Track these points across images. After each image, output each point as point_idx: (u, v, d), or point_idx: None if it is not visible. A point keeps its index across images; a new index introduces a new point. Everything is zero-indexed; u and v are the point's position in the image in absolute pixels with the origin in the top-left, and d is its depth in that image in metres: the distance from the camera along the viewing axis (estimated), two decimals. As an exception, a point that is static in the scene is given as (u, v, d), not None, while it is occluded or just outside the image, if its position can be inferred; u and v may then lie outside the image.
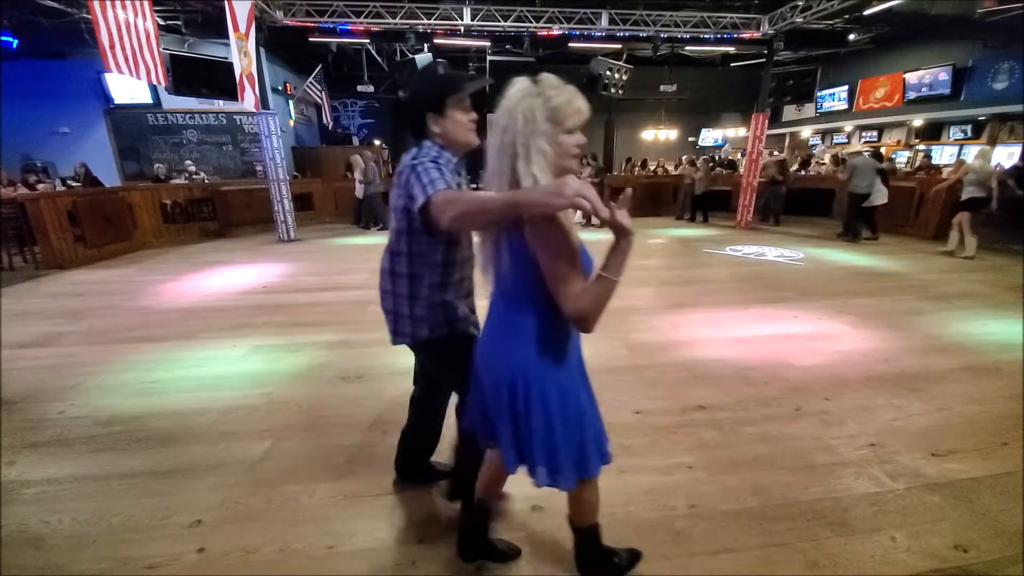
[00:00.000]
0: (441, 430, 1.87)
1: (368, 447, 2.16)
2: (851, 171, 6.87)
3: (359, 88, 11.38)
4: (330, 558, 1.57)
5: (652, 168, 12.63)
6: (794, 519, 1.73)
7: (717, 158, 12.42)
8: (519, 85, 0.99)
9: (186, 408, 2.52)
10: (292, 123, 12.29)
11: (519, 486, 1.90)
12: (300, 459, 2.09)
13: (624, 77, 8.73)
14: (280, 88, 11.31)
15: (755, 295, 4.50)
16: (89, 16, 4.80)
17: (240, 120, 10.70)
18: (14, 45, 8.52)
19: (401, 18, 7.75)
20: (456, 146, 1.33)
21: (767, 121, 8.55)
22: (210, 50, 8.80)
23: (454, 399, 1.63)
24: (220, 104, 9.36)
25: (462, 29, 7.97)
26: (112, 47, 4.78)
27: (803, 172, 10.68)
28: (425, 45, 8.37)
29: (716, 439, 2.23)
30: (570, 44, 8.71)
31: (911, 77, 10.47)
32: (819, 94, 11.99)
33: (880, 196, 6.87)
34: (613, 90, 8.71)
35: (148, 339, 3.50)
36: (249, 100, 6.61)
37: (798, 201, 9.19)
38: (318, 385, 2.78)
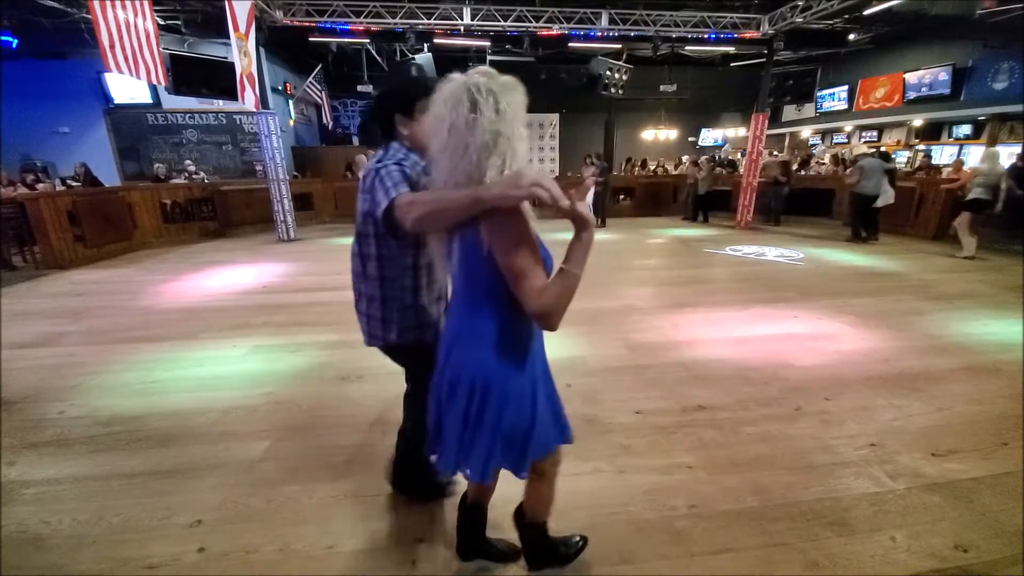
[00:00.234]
0: None
1: (368, 447, 2.16)
2: (859, 172, 6.81)
3: (359, 88, 11.38)
4: (330, 558, 1.57)
5: (652, 168, 12.64)
6: (794, 519, 1.73)
7: (717, 158, 12.40)
8: (465, 78, 0.95)
9: (186, 408, 2.52)
10: (292, 123, 12.29)
11: (518, 485, 1.90)
12: (300, 459, 2.09)
13: (624, 77, 8.73)
14: (280, 88, 11.32)
15: (755, 295, 4.50)
16: (89, 16, 4.80)
17: (240, 120, 10.70)
18: (14, 45, 8.52)
19: (401, 18, 7.75)
20: (424, 149, 1.32)
21: (767, 121, 8.55)
22: (210, 50, 8.80)
23: None
24: (220, 104, 9.37)
25: (462, 29, 7.97)
26: (112, 47, 4.78)
27: (803, 172, 10.68)
28: (425, 45, 8.36)
29: (716, 439, 2.23)
30: (570, 44, 8.71)
31: (911, 77, 10.46)
32: (819, 94, 11.99)
33: (887, 197, 6.83)
34: (613, 90, 8.70)
35: (148, 339, 3.49)
36: (249, 100, 6.61)
37: (798, 201, 9.19)
38: (318, 385, 2.78)
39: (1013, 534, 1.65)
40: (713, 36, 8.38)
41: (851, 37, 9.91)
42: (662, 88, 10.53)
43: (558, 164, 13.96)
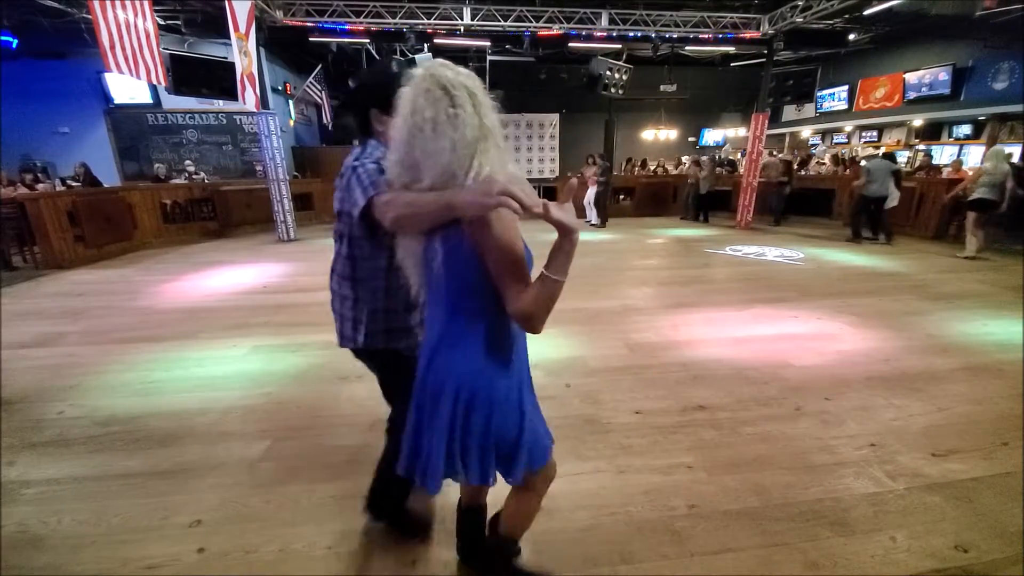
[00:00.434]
0: None
1: (367, 447, 2.16)
2: (866, 174, 6.76)
3: (359, 88, 11.35)
4: (330, 558, 1.57)
5: (652, 168, 12.64)
6: (794, 519, 1.73)
7: (717, 158, 12.41)
8: (430, 72, 0.89)
9: (185, 408, 2.52)
10: (292, 123, 12.29)
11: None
12: (299, 459, 2.09)
13: (624, 77, 8.73)
14: (280, 88, 11.31)
15: (755, 295, 4.50)
16: (89, 16, 4.80)
17: (240, 120, 10.69)
18: (14, 45, 8.51)
19: (401, 18, 7.74)
20: None
21: (767, 121, 8.54)
22: (210, 50, 8.80)
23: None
24: (220, 104, 9.36)
25: (462, 29, 7.97)
26: (112, 47, 4.78)
27: (802, 172, 10.68)
28: (425, 45, 8.36)
29: (716, 439, 2.23)
30: (570, 44, 8.70)
31: (911, 77, 10.46)
32: (819, 94, 11.98)
33: (892, 199, 6.81)
34: (613, 90, 8.70)
35: (148, 339, 3.49)
36: (249, 100, 6.61)
37: (798, 201, 9.19)
38: (318, 385, 2.78)
39: (1013, 534, 1.65)
40: (713, 36, 8.38)
41: (851, 37, 9.90)
42: (662, 88, 10.54)
43: (558, 164, 13.94)
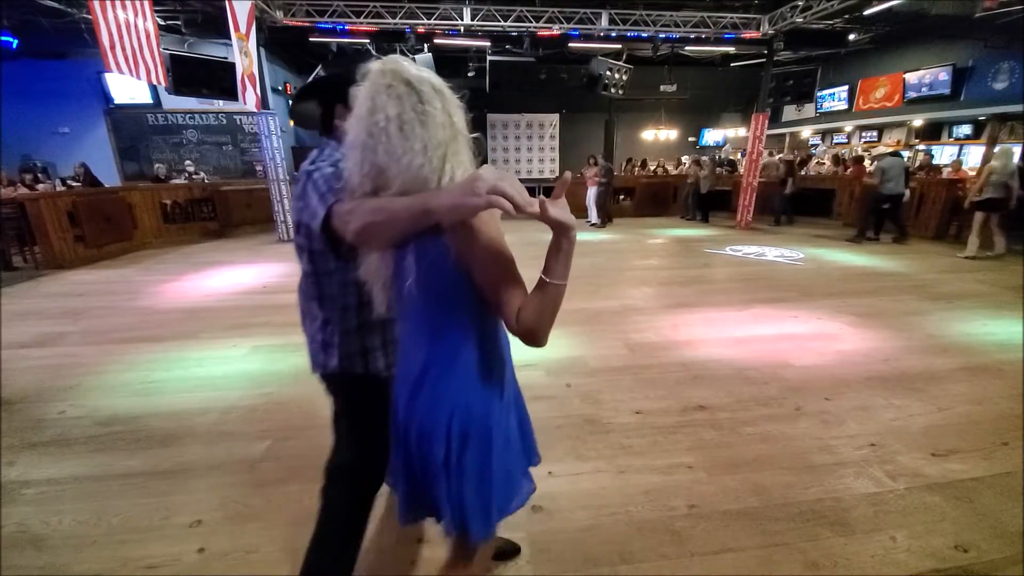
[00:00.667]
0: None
1: (368, 447, 2.16)
2: (881, 173, 6.73)
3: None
4: (330, 558, 1.57)
5: (652, 168, 12.64)
6: (794, 519, 1.73)
7: (717, 158, 12.41)
8: (391, 67, 0.80)
9: (186, 408, 2.52)
10: (292, 123, 12.30)
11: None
12: (300, 459, 2.09)
13: (624, 77, 8.73)
14: (280, 88, 11.31)
15: (755, 295, 4.50)
16: (89, 16, 4.80)
17: (240, 120, 10.70)
18: (14, 45, 8.51)
19: (401, 18, 7.75)
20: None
21: (767, 121, 8.55)
22: (210, 50, 8.80)
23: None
24: (220, 104, 9.36)
25: (462, 29, 7.97)
26: (112, 47, 4.78)
27: (802, 172, 10.67)
28: (425, 45, 8.37)
29: (716, 439, 2.23)
30: (570, 44, 8.71)
31: (911, 77, 10.46)
32: (819, 94, 11.97)
33: (905, 196, 6.83)
34: (613, 90, 8.71)
35: (148, 339, 3.49)
36: (250, 100, 6.61)
37: (798, 201, 9.19)
38: (318, 385, 2.75)
39: (1013, 534, 1.65)
40: (713, 36, 8.38)
41: (851, 37, 9.90)
42: (662, 88, 10.54)
43: (558, 164, 13.97)
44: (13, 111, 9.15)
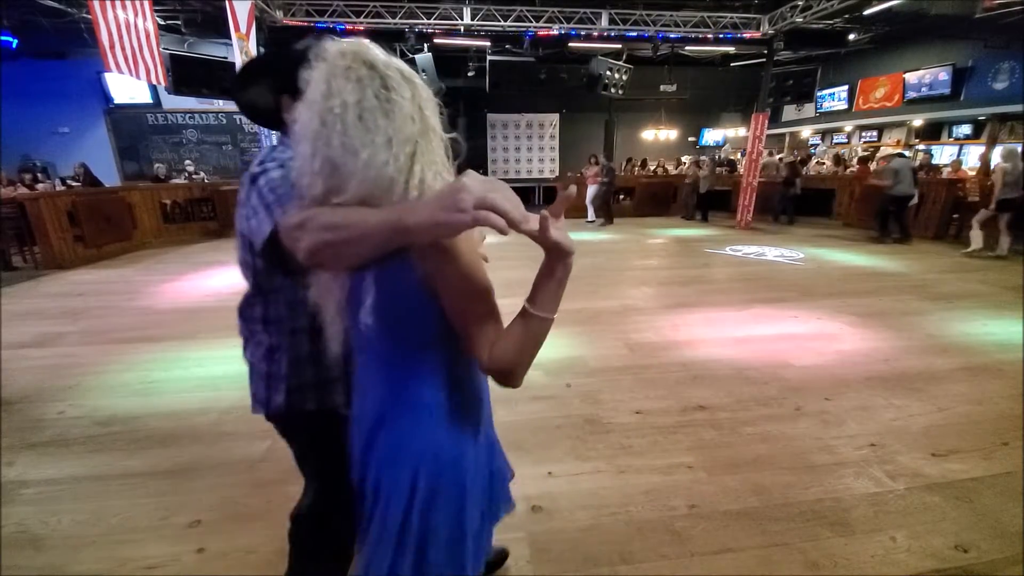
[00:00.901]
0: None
1: (368, 447, 2.16)
2: (893, 174, 6.73)
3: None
4: (329, 558, 1.57)
5: (652, 168, 12.65)
6: (794, 519, 1.73)
7: (717, 157, 12.41)
8: (350, 48, 0.66)
9: (185, 408, 2.52)
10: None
11: (518, 486, 1.90)
12: (300, 459, 2.09)
13: (624, 77, 8.73)
14: (280, 88, 11.30)
15: (755, 295, 4.50)
16: (89, 16, 4.80)
17: (240, 120, 10.70)
18: (14, 45, 8.52)
19: (401, 18, 7.74)
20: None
21: (767, 121, 8.54)
22: (210, 50, 8.81)
23: None
24: (220, 104, 9.37)
25: (462, 29, 7.97)
26: (112, 47, 4.78)
27: (802, 172, 10.67)
28: (425, 45, 8.37)
29: (716, 439, 2.23)
30: (570, 44, 8.71)
31: (911, 77, 10.45)
32: (819, 94, 11.97)
33: (915, 197, 6.85)
34: (613, 90, 8.70)
35: (147, 339, 3.49)
36: (249, 100, 6.60)
37: (798, 201, 9.20)
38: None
39: (1013, 534, 1.64)
40: (713, 36, 8.38)
41: (851, 37, 9.90)
42: (662, 88, 10.53)
43: (558, 164, 13.96)
44: (13, 111, 9.15)
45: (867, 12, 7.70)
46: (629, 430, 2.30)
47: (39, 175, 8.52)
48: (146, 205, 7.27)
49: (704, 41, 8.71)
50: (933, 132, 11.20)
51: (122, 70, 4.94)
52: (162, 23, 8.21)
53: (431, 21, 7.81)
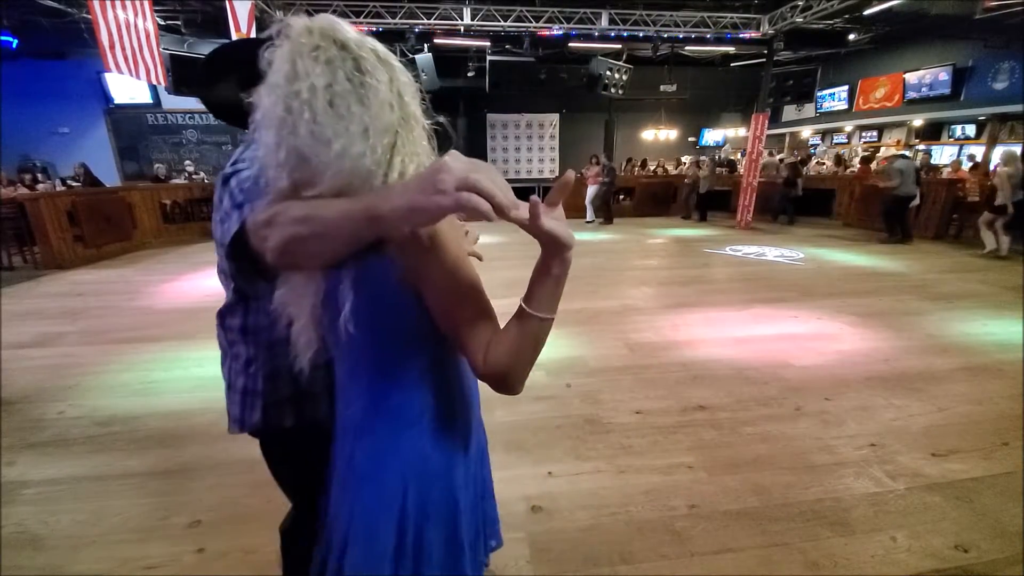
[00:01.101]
0: None
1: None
2: (899, 174, 6.72)
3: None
4: (329, 558, 1.57)
5: (652, 168, 12.65)
6: (794, 519, 1.73)
7: (717, 158, 12.42)
8: (317, 25, 0.58)
9: (185, 408, 2.52)
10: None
11: (518, 485, 1.91)
12: (299, 459, 2.09)
13: (624, 77, 8.74)
14: (280, 88, 11.31)
15: (755, 295, 4.50)
16: (89, 16, 4.80)
17: (240, 120, 10.70)
18: (14, 45, 8.51)
19: (401, 18, 7.74)
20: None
21: (767, 121, 8.55)
22: (210, 50, 8.80)
23: None
24: (220, 104, 9.34)
25: (462, 29, 7.97)
26: (112, 47, 4.78)
27: (802, 172, 10.68)
28: (425, 45, 8.37)
29: (716, 439, 2.23)
30: (570, 44, 8.71)
31: (911, 77, 10.46)
32: (819, 94, 11.98)
33: (916, 198, 6.87)
34: (613, 90, 8.71)
35: (147, 339, 3.49)
36: (249, 100, 6.60)
37: (798, 201, 9.20)
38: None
39: (1013, 534, 1.64)
40: (713, 36, 8.38)
41: (851, 37, 9.90)
42: (662, 88, 10.53)
43: (558, 164, 13.97)
44: (13, 111, 9.15)
45: (867, 12, 7.70)
46: (629, 430, 2.30)
47: (39, 175, 8.52)
48: (146, 205, 7.27)
49: (704, 41, 8.72)
50: (933, 132, 11.21)
51: (122, 70, 4.95)
52: (162, 23, 8.21)
53: (431, 21, 7.81)
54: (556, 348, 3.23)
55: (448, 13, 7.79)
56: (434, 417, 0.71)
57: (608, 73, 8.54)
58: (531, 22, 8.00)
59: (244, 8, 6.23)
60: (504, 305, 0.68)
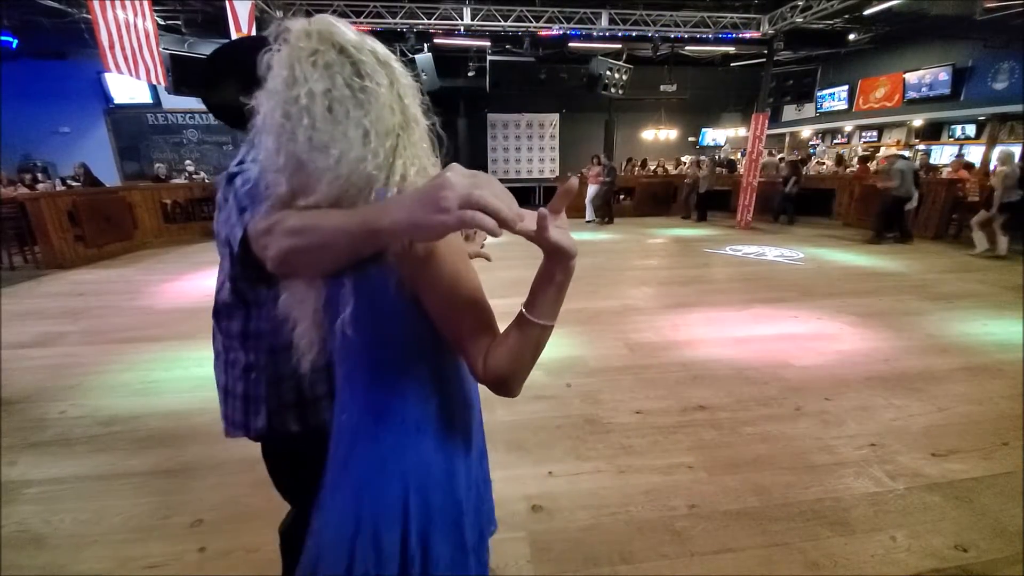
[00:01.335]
0: None
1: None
2: (899, 175, 6.71)
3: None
4: (331, 558, 1.57)
5: (652, 168, 12.66)
6: (794, 519, 1.73)
7: (717, 157, 12.42)
8: (315, 27, 0.59)
9: (186, 408, 2.52)
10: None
11: (518, 485, 1.91)
12: (300, 459, 2.09)
13: (624, 77, 8.74)
14: (280, 88, 11.31)
15: (755, 295, 4.50)
16: (89, 16, 4.80)
17: (240, 120, 10.70)
18: (14, 45, 8.51)
19: (401, 18, 7.75)
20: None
21: (767, 121, 8.55)
22: (210, 50, 8.78)
23: None
24: (220, 104, 9.34)
25: (462, 29, 7.97)
26: (112, 47, 4.78)
27: (802, 172, 10.68)
28: (425, 45, 8.37)
29: (716, 439, 2.23)
30: (570, 44, 8.71)
31: (911, 77, 10.45)
32: (819, 94, 11.97)
33: (914, 200, 6.87)
34: (613, 90, 8.71)
35: (148, 339, 3.49)
36: (249, 100, 6.60)
37: (798, 201, 9.21)
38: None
39: (1013, 534, 1.65)
40: (713, 36, 8.39)
41: (851, 37, 9.90)
42: (662, 88, 10.54)
43: (558, 164, 13.97)
44: (13, 111, 9.15)
45: (867, 12, 7.70)
46: (629, 430, 2.30)
47: (39, 175, 8.53)
48: (146, 205, 7.28)
49: (704, 41, 8.72)
50: (933, 132, 11.21)
51: (122, 70, 4.94)
52: (162, 23, 8.21)
53: (431, 21, 7.81)
54: (556, 348, 3.23)
55: (448, 13, 7.79)
56: (435, 422, 0.70)
57: (608, 73, 8.54)
58: (531, 22, 8.00)
59: (244, 8, 6.23)
60: (505, 305, 0.69)
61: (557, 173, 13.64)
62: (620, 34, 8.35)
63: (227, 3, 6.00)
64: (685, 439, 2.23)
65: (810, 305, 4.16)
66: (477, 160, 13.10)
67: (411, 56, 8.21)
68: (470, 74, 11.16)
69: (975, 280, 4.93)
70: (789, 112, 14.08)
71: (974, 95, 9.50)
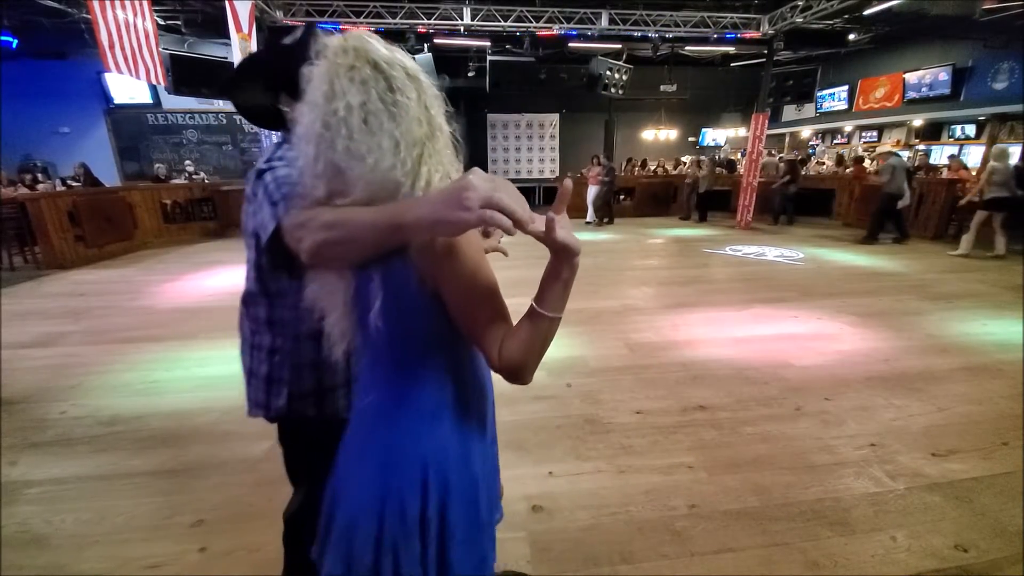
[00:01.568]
0: None
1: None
2: (890, 170, 6.70)
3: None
4: (332, 558, 1.58)
5: (652, 168, 12.66)
6: (794, 519, 1.74)
7: (717, 158, 12.42)
8: (352, 43, 0.65)
9: (187, 408, 2.53)
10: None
11: (519, 485, 1.91)
12: (301, 459, 2.09)
13: (624, 77, 8.74)
14: (280, 88, 11.30)
15: (755, 295, 4.51)
16: (89, 16, 4.80)
17: (240, 120, 10.69)
18: (14, 45, 8.51)
19: (401, 18, 7.75)
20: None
21: (767, 121, 8.55)
22: (210, 50, 8.81)
23: None
24: (220, 104, 9.37)
25: (462, 29, 7.97)
26: (112, 47, 4.78)
27: (802, 172, 10.67)
28: (425, 45, 8.37)
29: (716, 439, 2.24)
30: (570, 44, 8.71)
31: (911, 77, 10.46)
32: (819, 94, 11.97)
33: (906, 198, 6.86)
34: (613, 90, 8.71)
35: (149, 339, 3.50)
36: (249, 100, 6.60)
37: (798, 201, 9.21)
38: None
39: (1013, 534, 1.65)
40: (713, 36, 8.38)
41: (851, 37, 9.90)
42: (662, 88, 10.53)
43: (558, 164, 13.97)
44: (13, 111, 9.14)
45: (867, 12, 7.70)
46: (629, 430, 2.30)
47: (39, 175, 8.52)
48: (147, 205, 7.28)
49: (704, 41, 8.72)
50: (933, 132, 11.21)
51: (121, 70, 4.95)
52: (162, 23, 8.22)
53: (431, 21, 7.81)
54: (557, 348, 3.22)
55: (448, 13, 7.79)
56: (451, 408, 0.75)
57: (608, 73, 8.54)
58: (531, 22, 8.00)
59: (244, 8, 6.23)
60: (511, 304, 0.70)
61: (557, 173, 13.64)
62: (620, 34, 8.36)
63: (227, 3, 6.00)
64: (685, 439, 2.23)
65: (810, 305, 4.17)
66: (477, 160, 13.05)
67: (411, 56, 8.21)
68: (470, 74, 11.17)
69: (975, 280, 4.93)
70: (789, 112, 14.08)
71: (974, 95, 9.50)
